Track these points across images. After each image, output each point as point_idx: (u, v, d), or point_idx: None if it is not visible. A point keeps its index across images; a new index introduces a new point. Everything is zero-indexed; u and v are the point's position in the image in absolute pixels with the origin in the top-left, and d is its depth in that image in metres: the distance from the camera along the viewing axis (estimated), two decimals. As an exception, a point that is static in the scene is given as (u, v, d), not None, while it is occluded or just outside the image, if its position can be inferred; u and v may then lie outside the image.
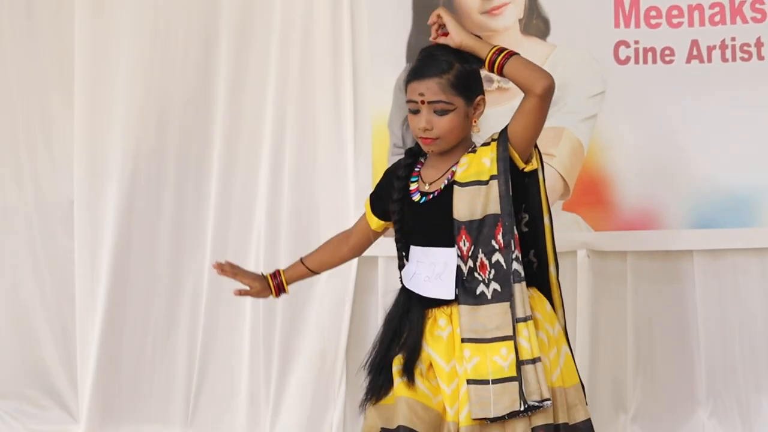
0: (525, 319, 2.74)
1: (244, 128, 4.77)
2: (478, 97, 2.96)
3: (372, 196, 3.21)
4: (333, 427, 4.56)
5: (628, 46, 4.35)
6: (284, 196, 4.70)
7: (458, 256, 2.81)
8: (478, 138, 3.00)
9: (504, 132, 2.90)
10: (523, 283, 2.76)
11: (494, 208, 2.78)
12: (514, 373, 2.69)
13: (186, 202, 4.78)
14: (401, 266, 3.01)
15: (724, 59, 4.23)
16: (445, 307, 2.84)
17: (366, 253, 4.44)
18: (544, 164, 2.99)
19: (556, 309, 2.94)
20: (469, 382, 2.73)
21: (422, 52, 3.01)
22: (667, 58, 4.30)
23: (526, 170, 2.87)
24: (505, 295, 2.74)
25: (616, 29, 4.37)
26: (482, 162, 2.83)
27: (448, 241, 2.83)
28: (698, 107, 4.26)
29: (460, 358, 2.77)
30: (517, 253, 2.76)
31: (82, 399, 4.70)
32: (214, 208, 4.74)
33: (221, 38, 4.75)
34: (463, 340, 2.76)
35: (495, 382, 2.70)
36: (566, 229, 4.33)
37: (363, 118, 4.65)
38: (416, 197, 2.93)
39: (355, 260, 4.51)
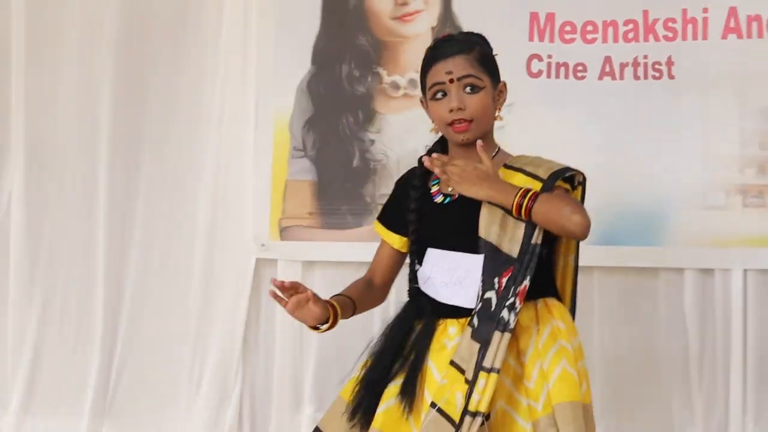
0: (489, 370, 2.43)
1: (152, 127, 4.61)
2: (501, 82, 2.75)
3: (382, 216, 2.91)
4: (226, 425, 4.46)
5: (541, 59, 4.26)
6: (188, 196, 4.56)
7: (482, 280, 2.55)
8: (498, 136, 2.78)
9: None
10: (507, 335, 2.45)
11: (510, 248, 2.51)
12: (456, 418, 2.44)
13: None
14: (412, 277, 2.76)
15: (636, 77, 4.14)
16: (460, 318, 2.58)
17: (265, 255, 4.42)
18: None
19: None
20: (431, 402, 2.53)
21: (436, 39, 2.78)
22: (580, 74, 4.21)
23: None
24: (478, 335, 2.48)
25: (530, 42, 4.28)
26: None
27: (472, 247, 2.56)
28: (607, 124, 4.18)
29: None
30: (516, 301, 2.47)
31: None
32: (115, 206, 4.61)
33: (142, 36, 4.61)
34: (450, 362, 2.54)
35: (440, 411, 2.48)
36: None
37: (265, 119, 4.49)
38: (438, 199, 2.69)
39: (253, 261, 4.46)
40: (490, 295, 2.49)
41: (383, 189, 4.35)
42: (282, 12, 4.48)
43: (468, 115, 2.61)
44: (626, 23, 4.19)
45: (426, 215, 2.70)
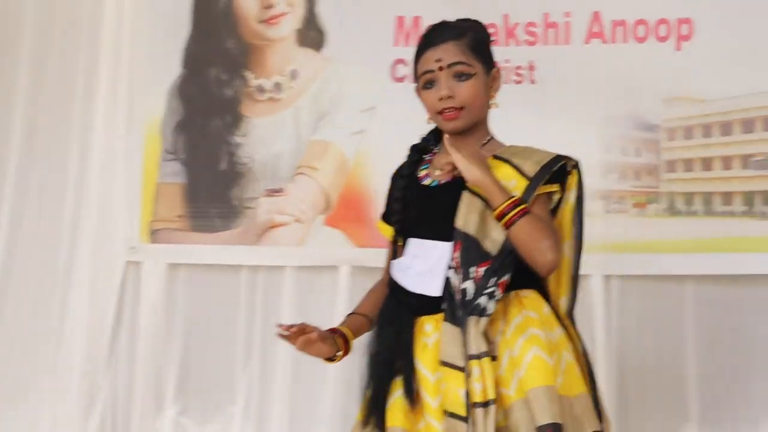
0: (478, 357, 2.37)
1: (21, 129, 4.58)
2: (495, 68, 2.64)
3: (383, 214, 2.78)
4: (93, 427, 4.45)
5: (405, 64, 4.21)
6: (59, 198, 4.54)
7: (453, 267, 2.47)
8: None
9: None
10: (484, 319, 2.39)
11: (490, 246, 2.44)
12: (464, 413, 2.37)
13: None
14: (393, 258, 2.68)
15: None
16: (434, 315, 2.48)
17: (134, 258, 4.43)
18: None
19: (574, 342, 2.55)
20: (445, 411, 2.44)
21: (428, 27, 2.68)
22: (443, 78, 4.20)
23: None
24: (459, 323, 2.40)
25: (395, 47, 4.26)
26: (510, 187, 2.47)
27: (446, 235, 2.48)
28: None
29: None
30: (497, 291, 2.42)
31: None
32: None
33: (11, 37, 4.59)
34: (440, 363, 2.44)
35: (451, 415, 2.40)
36: (329, 245, 4.28)
37: (136, 122, 4.50)
38: (426, 181, 2.61)
39: (122, 264, 4.47)
40: (467, 285, 2.42)
41: (250, 192, 4.37)
42: (154, 16, 4.48)
43: (458, 103, 2.53)
44: (487, 27, 4.14)
45: (412, 202, 2.62)
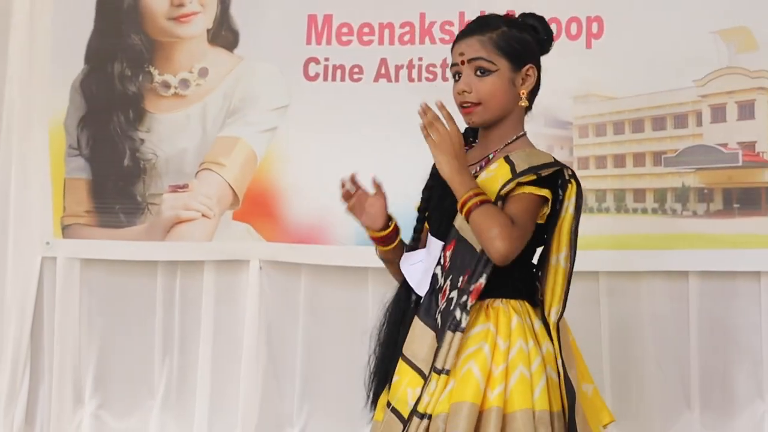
0: (440, 372, 2.34)
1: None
2: (528, 66, 2.54)
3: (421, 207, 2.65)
4: (14, 423, 4.37)
5: (318, 62, 4.16)
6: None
7: (439, 263, 2.46)
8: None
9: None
10: (458, 335, 2.34)
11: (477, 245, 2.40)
12: (405, 414, 2.38)
13: None
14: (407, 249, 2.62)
15: (411, 79, 4.07)
16: None
17: (50, 253, 4.35)
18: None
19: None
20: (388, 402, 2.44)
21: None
22: (356, 76, 4.13)
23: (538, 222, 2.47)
24: (440, 336, 2.37)
25: (308, 46, 4.19)
26: (499, 183, 2.42)
27: (445, 233, 2.46)
28: (383, 126, 4.08)
29: None
30: (467, 300, 2.36)
31: None
32: None
33: None
34: (401, 355, 2.43)
35: (393, 410, 2.40)
36: (238, 239, 4.19)
37: (41, 117, 4.36)
38: None
39: (38, 260, 4.37)
40: (453, 294, 2.39)
41: (153, 188, 4.26)
42: (57, 11, 4.34)
43: (474, 98, 2.48)
44: (402, 25, 4.12)
45: (435, 197, 2.57)
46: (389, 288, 3.96)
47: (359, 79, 4.14)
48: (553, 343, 2.45)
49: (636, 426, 4.03)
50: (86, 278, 4.38)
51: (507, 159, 2.45)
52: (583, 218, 3.95)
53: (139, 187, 4.28)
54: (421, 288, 2.49)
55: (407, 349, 2.42)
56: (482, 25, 2.54)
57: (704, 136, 4.01)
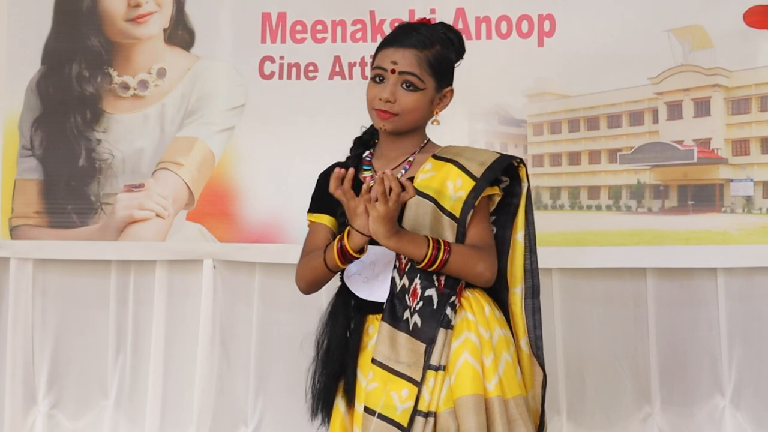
0: (437, 368, 2.37)
1: None
2: (447, 88, 2.58)
3: (312, 207, 2.66)
4: None
5: (273, 61, 4.11)
6: None
7: (395, 267, 2.45)
8: (432, 133, 2.59)
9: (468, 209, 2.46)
10: (450, 331, 2.39)
11: None
12: (404, 422, 2.34)
13: None
14: (342, 272, 2.59)
15: (364, 76, 3.99)
16: (378, 314, 2.46)
17: (1, 254, 4.24)
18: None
19: (516, 329, 2.54)
20: (364, 407, 2.40)
21: (403, 24, 2.63)
22: (311, 74, 4.08)
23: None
24: (424, 335, 2.38)
25: (263, 44, 4.13)
26: (447, 185, 2.45)
27: None
28: (339, 123, 3.98)
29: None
30: (455, 300, 2.42)
31: None
32: None
33: None
34: (372, 360, 2.41)
35: (381, 417, 2.36)
36: (192, 239, 4.13)
37: (-5, 118, 4.30)
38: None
39: None
40: (431, 292, 2.41)
41: (108, 188, 4.19)
42: (12, 12, 4.29)
43: (396, 109, 2.48)
44: (354, 23, 4.08)
45: None
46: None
47: (314, 77, 4.09)
48: (515, 329, 2.54)
49: (593, 422, 3.97)
50: (39, 278, 4.31)
51: (439, 157, 2.50)
52: (538, 215, 3.94)
53: (93, 187, 4.21)
54: (383, 296, 2.46)
55: (379, 354, 2.40)
56: (420, 38, 2.52)
57: (660, 133, 3.98)
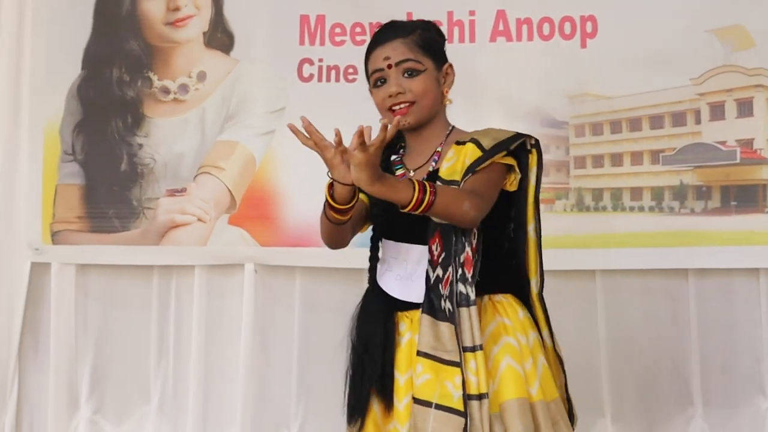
0: (473, 349, 2.32)
1: None
2: (446, 64, 2.55)
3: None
4: (11, 424, 4.28)
5: (312, 63, 4.08)
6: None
7: (429, 260, 2.39)
8: (451, 114, 2.54)
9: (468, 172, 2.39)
10: (472, 308, 2.33)
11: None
12: (461, 408, 2.29)
13: None
14: (372, 263, 2.58)
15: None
16: (409, 311, 2.44)
17: (39, 259, 4.22)
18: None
19: (540, 324, 2.50)
20: (414, 400, 2.35)
21: (377, 29, 2.61)
22: (350, 77, 4.03)
23: (508, 189, 2.46)
24: (453, 317, 2.33)
25: (301, 46, 4.10)
26: (466, 163, 2.39)
27: (424, 238, 2.40)
28: (376, 126, 3.99)
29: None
30: (466, 272, 2.34)
31: None
32: None
33: None
34: (418, 353, 2.36)
35: (439, 407, 2.31)
36: (233, 243, 4.10)
37: (36, 124, 4.27)
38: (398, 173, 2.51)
39: (27, 266, 4.26)
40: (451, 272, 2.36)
41: (150, 193, 4.17)
42: (54, 17, 4.27)
43: (409, 98, 2.45)
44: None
45: (381, 207, 2.51)
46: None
47: (354, 80, 4.02)
48: (538, 325, 2.50)
49: (637, 424, 3.93)
50: (81, 283, 4.28)
51: (461, 143, 2.44)
52: (581, 217, 3.98)
53: (135, 192, 4.19)
54: (418, 296, 2.42)
55: (424, 346, 2.35)
56: (400, 28, 2.53)
57: (703, 133, 3.92)
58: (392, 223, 2.51)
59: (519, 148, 2.44)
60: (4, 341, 4.29)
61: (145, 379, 4.27)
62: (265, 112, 4.14)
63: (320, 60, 4.10)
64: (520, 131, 2.46)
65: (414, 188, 2.23)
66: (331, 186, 2.38)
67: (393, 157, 2.58)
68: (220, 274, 4.18)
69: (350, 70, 4.07)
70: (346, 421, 2.52)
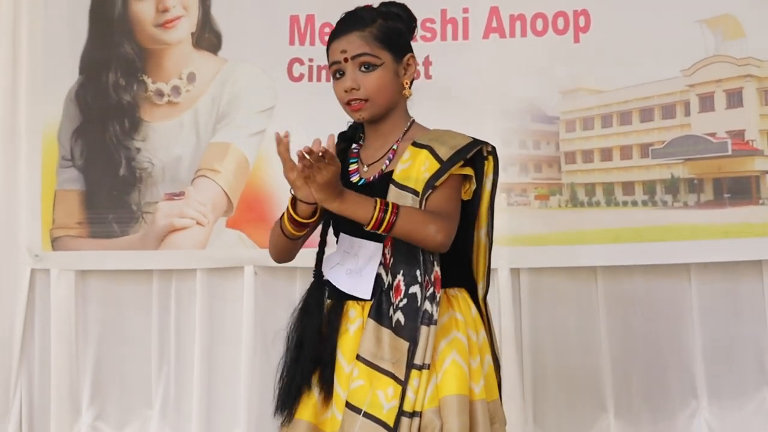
0: (421, 368, 2.25)
1: None
2: (408, 55, 2.45)
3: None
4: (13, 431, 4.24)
5: (302, 63, 4.00)
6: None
7: (381, 262, 2.34)
8: (411, 108, 2.47)
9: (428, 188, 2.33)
10: (433, 327, 2.25)
11: None
12: (390, 422, 2.23)
13: None
14: (320, 256, 2.49)
15: None
16: (360, 301, 2.36)
17: (39, 265, 4.20)
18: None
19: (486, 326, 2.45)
20: (346, 403, 2.29)
21: (341, 16, 2.50)
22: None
23: (463, 198, 2.39)
24: (406, 333, 2.26)
25: (291, 46, 4.03)
26: (422, 170, 2.31)
27: (377, 235, 2.29)
28: (368, 126, 3.99)
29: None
30: (434, 291, 2.27)
31: None
32: None
33: None
34: (357, 357, 2.30)
35: (367, 416, 2.25)
36: (232, 246, 4.05)
37: (34, 129, 4.23)
38: (355, 178, 2.43)
39: (27, 272, 4.23)
40: (415, 289, 2.29)
41: (149, 197, 4.11)
42: (51, 22, 4.21)
43: (362, 94, 2.38)
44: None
45: None
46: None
47: (343, 79, 4.02)
48: (485, 325, 2.43)
49: (641, 419, 3.90)
50: (80, 289, 4.22)
51: (418, 144, 2.36)
52: (575, 213, 3.96)
53: (134, 196, 4.14)
54: (365, 292, 2.37)
55: (365, 352, 2.29)
56: (358, 20, 2.43)
57: (692, 125, 3.84)
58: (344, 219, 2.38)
59: (475, 155, 2.37)
60: (5, 348, 4.25)
61: (146, 384, 4.22)
62: (255, 111, 4.08)
63: (311, 60, 4.03)
64: (477, 137, 2.39)
65: (375, 207, 2.20)
66: (293, 201, 2.35)
67: (352, 148, 2.52)
68: (220, 277, 4.12)
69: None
70: (273, 414, 2.45)
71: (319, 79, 4.03)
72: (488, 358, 2.39)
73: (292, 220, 2.37)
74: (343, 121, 3.94)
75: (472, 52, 3.95)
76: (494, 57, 3.95)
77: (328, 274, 2.44)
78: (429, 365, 2.26)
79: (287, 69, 4.05)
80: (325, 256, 2.47)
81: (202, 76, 4.15)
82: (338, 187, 2.19)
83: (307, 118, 3.99)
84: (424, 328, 2.26)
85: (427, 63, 3.94)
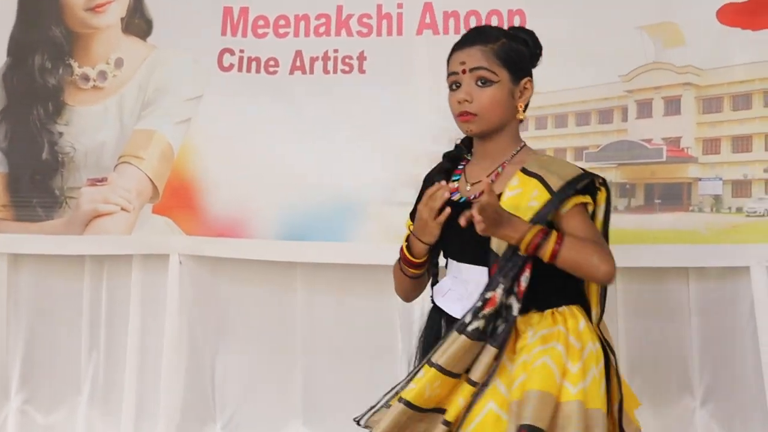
0: (475, 384, 2.28)
1: None
2: (525, 79, 2.42)
3: (413, 212, 2.53)
4: None
5: (233, 53, 3.82)
6: None
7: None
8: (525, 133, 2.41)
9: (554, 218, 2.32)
10: (494, 349, 2.28)
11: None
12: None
13: None
14: (433, 283, 2.49)
15: (326, 71, 3.73)
16: None
17: None
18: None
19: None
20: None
21: (469, 30, 2.53)
22: (271, 69, 3.79)
23: None
24: (494, 341, 2.27)
25: (223, 36, 3.85)
26: (530, 198, 2.28)
27: (481, 259, 2.30)
28: (298, 119, 3.79)
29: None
30: (513, 301, 2.29)
31: None
32: None
33: None
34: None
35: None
36: (158, 232, 3.89)
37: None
38: (456, 197, 2.39)
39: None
40: (512, 301, 2.28)
41: (71, 182, 3.95)
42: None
43: (474, 108, 2.36)
44: (318, 17, 3.80)
45: (450, 226, 2.36)
46: (318, 284, 3.91)
47: (275, 72, 3.80)
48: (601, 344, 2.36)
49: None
50: (12, 273, 4.11)
51: (527, 172, 2.32)
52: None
53: (57, 181, 3.95)
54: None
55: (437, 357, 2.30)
56: (483, 35, 2.40)
57: (629, 131, 3.67)
58: (455, 242, 2.41)
59: (589, 185, 2.33)
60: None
61: (76, 370, 4.11)
62: (182, 99, 3.90)
63: (241, 51, 3.85)
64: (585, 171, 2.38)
65: (529, 231, 2.20)
66: (404, 244, 2.41)
67: (460, 166, 2.49)
68: (150, 265, 3.98)
69: (271, 63, 3.82)
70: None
71: (249, 70, 3.86)
72: (594, 368, 2.30)
73: (409, 263, 2.44)
74: (263, 114, 3.81)
75: (406, 47, 3.80)
76: (427, 53, 3.79)
77: (440, 302, 2.42)
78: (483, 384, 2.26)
79: (218, 59, 3.87)
80: (436, 287, 2.47)
81: (129, 62, 3.96)
82: (499, 215, 2.21)
83: (235, 109, 3.87)
84: (488, 347, 2.26)
85: (361, 57, 3.79)
